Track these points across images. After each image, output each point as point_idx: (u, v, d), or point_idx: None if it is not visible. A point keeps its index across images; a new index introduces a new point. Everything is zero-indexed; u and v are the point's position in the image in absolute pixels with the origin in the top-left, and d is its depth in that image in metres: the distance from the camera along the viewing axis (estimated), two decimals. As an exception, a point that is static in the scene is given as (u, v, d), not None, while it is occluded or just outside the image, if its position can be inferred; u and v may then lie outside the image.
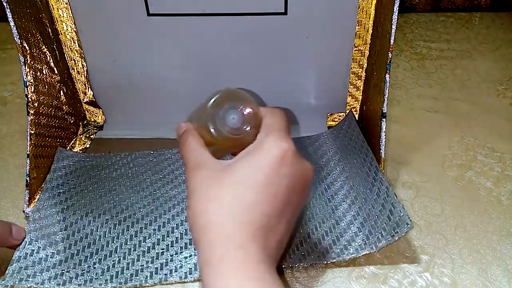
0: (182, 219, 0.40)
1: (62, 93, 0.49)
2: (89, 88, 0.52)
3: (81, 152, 0.50)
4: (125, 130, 0.53)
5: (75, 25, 0.47)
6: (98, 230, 0.40)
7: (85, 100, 0.53)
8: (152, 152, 0.49)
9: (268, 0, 0.44)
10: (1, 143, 0.52)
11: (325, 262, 0.36)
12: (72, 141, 0.51)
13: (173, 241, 0.38)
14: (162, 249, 0.38)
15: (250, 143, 0.28)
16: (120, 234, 0.39)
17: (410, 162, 0.47)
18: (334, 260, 0.36)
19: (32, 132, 0.43)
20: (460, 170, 0.46)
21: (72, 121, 0.51)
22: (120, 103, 0.53)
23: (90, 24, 0.47)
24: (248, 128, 0.28)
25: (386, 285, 0.35)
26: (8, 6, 0.39)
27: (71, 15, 0.47)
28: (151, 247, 0.38)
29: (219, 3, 0.44)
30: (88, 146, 0.51)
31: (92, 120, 0.54)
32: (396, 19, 0.37)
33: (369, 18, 0.44)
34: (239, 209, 0.24)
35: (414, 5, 0.78)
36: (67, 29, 0.48)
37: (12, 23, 0.40)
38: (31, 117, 0.43)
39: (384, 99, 0.40)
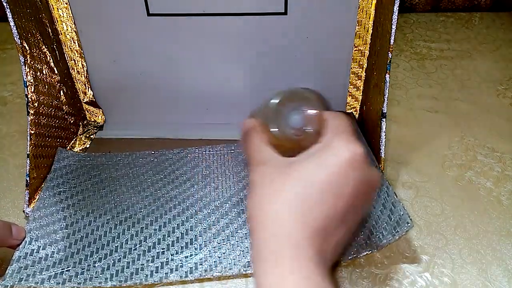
0: (183, 219, 0.40)
1: (62, 93, 0.49)
2: (89, 88, 0.52)
3: (81, 152, 0.50)
4: (125, 130, 0.53)
5: (75, 25, 0.47)
6: (99, 229, 0.40)
7: (85, 100, 0.53)
8: (153, 152, 0.49)
9: (268, 0, 0.44)
10: (1, 143, 0.52)
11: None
12: (72, 141, 0.51)
13: (173, 240, 0.38)
14: (162, 249, 0.38)
15: (311, 146, 0.27)
16: (120, 234, 0.39)
17: (410, 162, 0.47)
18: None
19: (32, 132, 0.43)
20: (460, 170, 0.46)
21: (72, 121, 0.51)
22: (120, 103, 0.53)
23: (90, 24, 0.47)
24: (310, 130, 0.28)
25: (386, 285, 0.35)
26: (8, 6, 0.39)
27: (71, 15, 0.47)
28: (151, 247, 0.38)
29: (219, 3, 0.44)
30: (88, 146, 0.51)
31: (92, 120, 0.54)
32: (396, 19, 0.37)
33: (369, 18, 0.44)
34: (300, 207, 0.24)
35: (414, 5, 0.78)
36: (67, 29, 0.48)
37: (12, 23, 0.40)
38: (31, 117, 0.43)
39: (384, 99, 0.40)
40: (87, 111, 0.54)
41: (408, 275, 0.36)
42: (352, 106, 0.51)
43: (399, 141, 0.50)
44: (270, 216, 0.24)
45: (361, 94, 0.50)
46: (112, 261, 0.37)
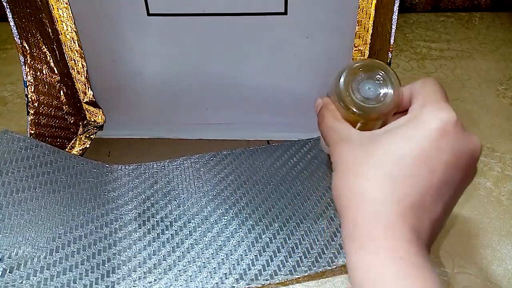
0: (144, 243, 0.38)
1: (62, 93, 0.49)
2: (89, 88, 0.52)
3: (81, 152, 0.50)
4: (125, 130, 0.53)
5: (75, 25, 0.47)
6: (50, 244, 0.36)
7: (85, 100, 0.53)
8: (107, 165, 0.46)
9: (268, 0, 0.44)
10: (1, 143, 0.52)
11: (319, 271, 0.35)
12: (72, 141, 0.51)
13: (135, 265, 0.36)
14: (123, 274, 0.35)
15: (390, 117, 0.26)
16: (75, 253, 0.36)
17: (410, 162, 0.47)
18: (325, 269, 0.35)
19: (32, 132, 0.43)
20: (460, 170, 0.46)
21: (72, 121, 0.51)
22: (120, 103, 0.53)
23: (90, 24, 0.47)
24: (386, 99, 0.26)
25: (386, 285, 0.35)
26: (8, 6, 0.39)
27: (71, 15, 0.47)
28: (110, 271, 0.35)
29: (219, 3, 0.44)
30: (88, 146, 0.51)
31: (92, 120, 0.54)
32: (396, 19, 0.37)
33: (369, 18, 0.44)
34: (388, 183, 0.22)
35: (414, 5, 0.78)
36: (67, 29, 0.48)
37: (12, 23, 0.40)
38: (31, 117, 0.43)
39: (384, 99, 0.40)
40: (87, 111, 0.54)
41: (408, 275, 0.36)
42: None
43: (399, 141, 0.50)
44: (357, 195, 0.22)
45: (361, 94, 0.50)
46: (67, 282, 0.34)
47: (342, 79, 0.26)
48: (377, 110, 0.26)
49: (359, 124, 0.27)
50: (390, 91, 0.26)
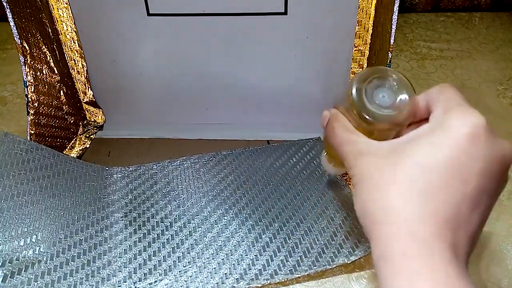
0: (144, 244, 0.38)
1: (62, 93, 0.49)
2: (89, 88, 0.52)
3: (81, 152, 0.50)
4: (125, 130, 0.53)
5: (75, 25, 0.47)
6: (50, 248, 0.36)
7: (85, 100, 0.53)
8: (107, 168, 0.45)
9: (268, 0, 0.44)
10: (1, 143, 0.52)
11: (319, 270, 0.36)
12: (72, 141, 0.51)
13: (136, 267, 0.36)
14: (124, 276, 0.35)
15: (403, 128, 0.24)
16: (76, 257, 0.36)
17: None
18: (325, 268, 0.35)
19: (32, 132, 0.43)
20: (460, 170, 0.46)
21: (72, 121, 0.51)
22: (120, 103, 0.53)
23: (90, 24, 0.47)
24: (403, 107, 0.24)
25: (386, 285, 0.35)
26: (8, 6, 0.39)
27: (71, 15, 0.47)
28: (111, 274, 0.35)
29: (219, 3, 0.44)
30: (88, 146, 0.51)
31: (92, 120, 0.54)
32: (396, 19, 0.37)
33: (369, 18, 0.44)
34: (419, 196, 0.20)
35: (414, 5, 0.78)
36: (67, 29, 0.48)
37: (12, 23, 0.40)
38: (31, 117, 0.43)
39: (384, 99, 0.40)
40: (87, 111, 0.54)
41: (408, 275, 0.36)
42: (352, 106, 0.51)
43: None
44: (387, 211, 0.21)
45: (361, 94, 0.50)
46: (68, 287, 0.34)
47: (354, 87, 0.25)
48: (393, 118, 0.24)
49: (373, 135, 0.25)
50: (406, 98, 0.24)
